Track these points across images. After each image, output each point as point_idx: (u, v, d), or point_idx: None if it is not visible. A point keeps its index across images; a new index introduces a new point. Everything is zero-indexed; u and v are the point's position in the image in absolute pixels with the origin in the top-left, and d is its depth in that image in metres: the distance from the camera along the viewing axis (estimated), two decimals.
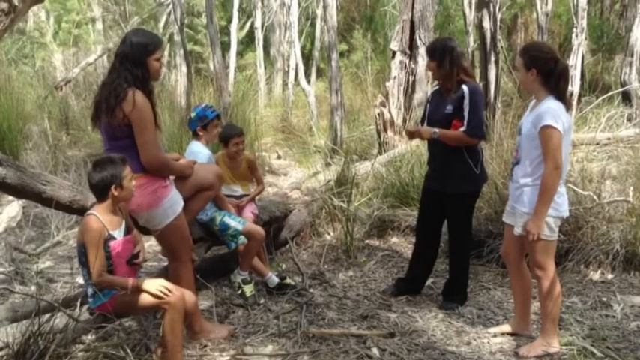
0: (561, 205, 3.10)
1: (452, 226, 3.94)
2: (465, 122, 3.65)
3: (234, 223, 3.99)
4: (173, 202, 3.19)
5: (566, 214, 3.16)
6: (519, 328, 3.46)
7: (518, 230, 3.18)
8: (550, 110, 3.00)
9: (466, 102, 3.65)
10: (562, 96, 3.08)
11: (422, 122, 4.02)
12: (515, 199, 3.20)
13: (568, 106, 3.12)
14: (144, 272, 3.21)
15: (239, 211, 4.36)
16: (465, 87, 3.67)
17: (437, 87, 3.98)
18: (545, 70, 3.06)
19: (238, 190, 4.50)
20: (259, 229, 4.08)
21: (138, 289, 2.79)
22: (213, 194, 3.80)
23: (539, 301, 3.30)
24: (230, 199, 4.29)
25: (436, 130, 3.71)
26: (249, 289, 4.02)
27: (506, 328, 3.51)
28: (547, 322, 3.23)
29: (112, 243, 2.80)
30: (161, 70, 3.23)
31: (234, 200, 4.36)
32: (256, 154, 7.99)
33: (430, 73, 7.95)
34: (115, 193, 2.81)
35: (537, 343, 3.24)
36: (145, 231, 3.34)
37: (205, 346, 3.33)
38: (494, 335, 3.47)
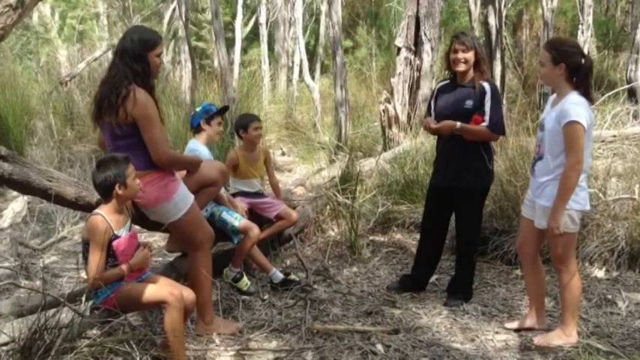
0: (583, 198, 3.12)
1: (461, 222, 3.92)
2: (488, 118, 3.66)
3: (230, 219, 4.03)
4: (183, 194, 3.21)
5: (588, 207, 3.18)
6: (534, 323, 3.46)
7: (542, 224, 3.17)
8: (574, 106, 3.01)
9: (488, 97, 3.67)
10: (587, 92, 3.08)
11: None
12: (537, 194, 3.21)
13: (592, 102, 3.12)
14: (148, 268, 3.21)
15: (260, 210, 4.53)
16: (486, 84, 3.71)
17: (443, 82, 3.96)
18: (574, 65, 3.07)
19: (257, 184, 4.55)
20: (253, 227, 4.05)
21: (132, 270, 2.84)
22: (217, 190, 3.81)
23: (560, 293, 3.31)
24: (241, 203, 4.33)
25: (458, 124, 3.68)
26: (243, 284, 4.05)
27: (522, 323, 3.50)
28: (566, 313, 3.24)
29: (114, 242, 2.81)
30: (160, 68, 3.21)
31: (245, 204, 4.39)
32: None
33: (432, 66, 7.95)
34: (120, 192, 2.81)
35: (555, 334, 3.26)
36: (155, 227, 3.35)
37: (210, 341, 3.34)
38: (497, 332, 3.48)
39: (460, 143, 3.74)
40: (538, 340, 3.27)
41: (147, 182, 3.01)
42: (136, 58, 3.03)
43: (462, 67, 3.74)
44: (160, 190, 3.09)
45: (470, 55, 3.72)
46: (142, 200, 3.06)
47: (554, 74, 3.11)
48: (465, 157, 3.75)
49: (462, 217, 3.91)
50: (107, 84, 3.05)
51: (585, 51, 8.97)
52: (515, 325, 3.51)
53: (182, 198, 3.19)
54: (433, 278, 4.23)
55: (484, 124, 3.66)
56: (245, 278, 4.07)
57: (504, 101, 8.00)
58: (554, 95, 3.22)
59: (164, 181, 3.11)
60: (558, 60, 3.07)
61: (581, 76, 3.07)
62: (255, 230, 4.03)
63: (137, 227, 3.50)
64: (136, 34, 3.11)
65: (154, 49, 3.09)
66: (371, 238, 5.19)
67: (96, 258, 2.74)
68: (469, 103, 3.71)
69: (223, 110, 4.24)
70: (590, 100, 3.10)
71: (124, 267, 2.81)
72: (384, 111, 7.59)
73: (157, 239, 5.14)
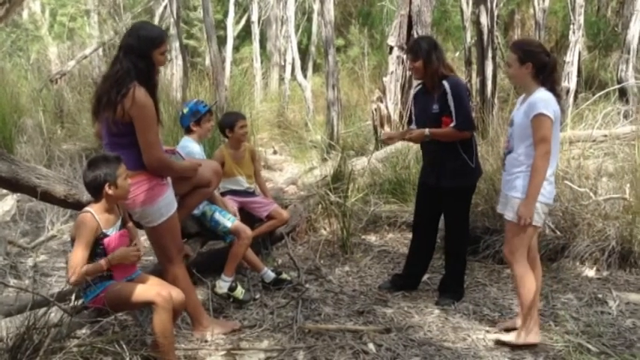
0: (549, 192, 3.20)
1: (448, 221, 3.94)
2: (453, 117, 3.69)
3: (223, 220, 3.96)
4: (169, 201, 3.15)
5: (552, 201, 3.27)
6: None
7: (510, 215, 3.23)
8: (541, 100, 3.13)
9: (450, 97, 3.68)
10: (553, 87, 3.21)
11: (409, 123, 4.05)
12: (508, 187, 3.28)
13: (559, 97, 3.24)
14: (138, 267, 3.18)
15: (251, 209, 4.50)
16: (445, 83, 3.71)
17: (419, 87, 4.00)
18: (540, 64, 3.18)
19: (244, 182, 4.52)
20: (246, 229, 3.97)
21: (111, 264, 2.77)
22: (211, 191, 3.77)
23: (515, 289, 3.34)
24: (231, 202, 4.30)
25: (427, 131, 3.76)
26: (239, 292, 3.89)
27: (514, 323, 3.49)
28: (524, 310, 3.25)
29: (105, 240, 2.78)
30: (164, 64, 3.18)
31: (235, 203, 4.36)
32: None
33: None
34: (109, 192, 2.78)
35: (516, 333, 3.27)
36: (140, 225, 3.32)
37: (201, 341, 3.32)
38: (489, 331, 3.48)
39: (437, 145, 3.80)
40: (504, 337, 3.29)
41: (134, 182, 2.98)
42: (141, 55, 2.99)
43: (415, 76, 3.87)
44: (146, 192, 3.04)
45: (419, 64, 3.77)
46: (127, 200, 3.02)
47: (521, 73, 3.23)
48: (444, 158, 3.79)
49: (449, 217, 3.92)
50: (109, 80, 3.01)
51: (576, 51, 9.04)
52: (507, 325, 3.51)
53: (166, 204, 3.13)
54: (425, 277, 4.22)
55: (452, 124, 3.69)
56: (240, 287, 3.95)
57: (496, 100, 8.01)
58: (524, 95, 3.31)
59: (151, 184, 3.06)
60: (524, 60, 3.19)
61: (546, 73, 3.19)
62: (247, 233, 3.96)
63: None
64: (142, 30, 3.06)
65: (159, 47, 3.05)
66: (363, 237, 5.18)
67: (79, 253, 2.68)
68: (435, 107, 3.76)
69: (211, 108, 4.20)
70: (557, 95, 3.21)
71: (102, 261, 2.75)
72: (376, 110, 7.60)
73: None
